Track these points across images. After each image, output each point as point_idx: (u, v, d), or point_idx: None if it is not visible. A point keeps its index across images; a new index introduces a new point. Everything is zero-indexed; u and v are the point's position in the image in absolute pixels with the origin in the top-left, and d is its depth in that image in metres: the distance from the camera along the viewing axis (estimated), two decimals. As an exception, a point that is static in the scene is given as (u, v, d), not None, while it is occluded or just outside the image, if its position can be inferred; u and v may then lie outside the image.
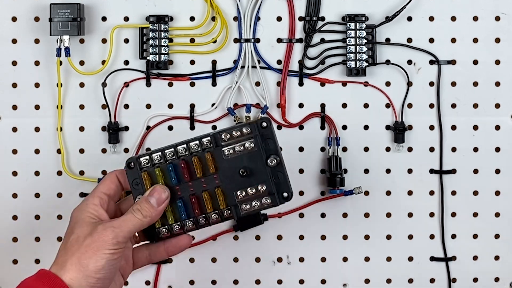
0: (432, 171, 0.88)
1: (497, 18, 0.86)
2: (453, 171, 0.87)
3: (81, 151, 0.87)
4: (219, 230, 0.87)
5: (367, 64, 0.85)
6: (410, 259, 0.89)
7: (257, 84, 0.86)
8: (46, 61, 0.85)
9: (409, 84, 0.87)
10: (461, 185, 0.88)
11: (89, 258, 0.65)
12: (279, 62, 0.86)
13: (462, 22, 0.86)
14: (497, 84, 0.87)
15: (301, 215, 0.88)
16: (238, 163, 0.69)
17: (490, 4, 0.86)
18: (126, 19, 0.86)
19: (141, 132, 0.86)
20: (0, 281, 0.86)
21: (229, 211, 0.70)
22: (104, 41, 0.85)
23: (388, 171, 0.88)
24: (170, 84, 0.86)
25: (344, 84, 0.87)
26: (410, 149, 0.87)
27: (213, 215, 0.71)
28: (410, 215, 0.88)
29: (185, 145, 0.70)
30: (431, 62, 0.86)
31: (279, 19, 0.86)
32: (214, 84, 0.86)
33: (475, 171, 0.88)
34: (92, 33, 0.85)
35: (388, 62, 0.86)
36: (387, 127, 0.87)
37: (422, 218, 0.88)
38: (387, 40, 0.86)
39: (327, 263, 0.88)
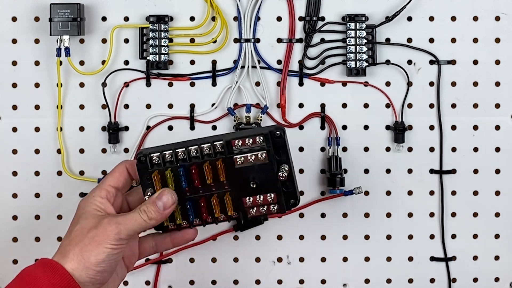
0: (432, 171, 0.88)
1: (497, 18, 0.86)
2: (453, 171, 0.88)
3: (81, 151, 0.87)
4: (219, 230, 0.87)
5: (367, 64, 0.85)
6: (410, 259, 0.89)
7: (257, 84, 0.86)
8: (46, 61, 0.85)
9: (409, 84, 0.87)
10: (461, 185, 0.88)
11: (91, 250, 0.65)
12: (279, 62, 0.86)
13: (462, 22, 0.86)
14: (497, 84, 0.87)
15: (301, 215, 0.88)
16: (249, 173, 0.70)
17: (490, 4, 0.86)
18: (126, 19, 0.86)
19: (141, 132, 0.86)
20: (0, 281, 0.86)
21: (236, 213, 0.71)
22: (104, 41, 0.85)
23: (388, 171, 0.88)
24: (170, 84, 0.86)
25: (344, 84, 0.87)
26: (410, 149, 0.88)
27: (221, 216, 0.71)
28: (410, 215, 0.88)
29: (197, 147, 0.70)
30: (431, 62, 0.86)
31: (279, 19, 0.86)
32: (214, 84, 0.86)
33: (475, 171, 0.88)
34: (92, 33, 0.85)
35: (388, 62, 0.86)
36: (387, 127, 0.87)
37: (422, 218, 0.88)
38: (387, 40, 0.86)
39: (327, 263, 0.88)
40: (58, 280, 0.64)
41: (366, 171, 0.88)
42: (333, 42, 0.86)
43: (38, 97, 0.86)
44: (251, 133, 0.69)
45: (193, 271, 0.88)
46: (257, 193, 0.70)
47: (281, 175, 0.69)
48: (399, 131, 0.86)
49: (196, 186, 0.71)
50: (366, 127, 0.87)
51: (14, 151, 0.86)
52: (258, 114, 0.86)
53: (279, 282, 0.89)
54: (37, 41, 0.85)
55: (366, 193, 0.87)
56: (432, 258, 0.88)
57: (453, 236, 0.88)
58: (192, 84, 0.87)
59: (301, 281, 0.89)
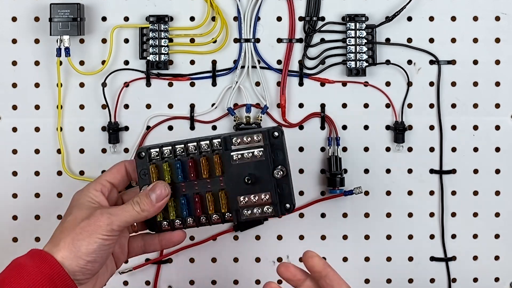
0: (432, 171, 0.88)
1: (497, 18, 0.86)
2: (453, 171, 0.88)
3: (81, 151, 0.87)
4: (219, 230, 0.87)
5: (367, 64, 0.85)
6: (410, 259, 0.89)
7: (257, 84, 0.86)
8: (46, 61, 0.85)
9: (409, 84, 0.87)
10: (461, 185, 0.88)
11: (82, 240, 0.66)
12: (279, 62, 0.86)
13: (462, 22, 0.86)
14: (497, 84, 0.87)
15: (301, 215, 0.88)
16: (245, 170, 0.70)
17: (490, 4, 0.86)
18: (126, 19, 0.86)
19: (141, 132, 0.86)
20: (0, 281, 0.86)
21: (230, 215, 0.71)
22: (104, 41, 0.85)
23: (388, 171, 0.88)
24: (170, 84, 0.86)
25: (344, 84, 0.87)
26: (410, 149, 0.88)
27: (214, 216, 0.72)
28: (410, 215, 0.88)
29: (195, 143, 0.71)
30: (431, 62, 0.86)
31: (279, 19, 0.86)
32: (214, 84, 0.86)
33: (475, 171, 0.88)
34: (92, 33, 0.85)
35: (388, 62, 0.86)
36: (387, 127, 0.87)
37: (422, 218, 0.88)
38: (387, 40, 0.86)
39: (327, 263, 0.88)
40: (47, 268, 0.64)
41: (366, 171, 0.88)
42: (333, 42, 0.86)
43: (38, 97, 0.86)
44: (250, 132, 0.70)
45: (193, 271, 0.88)
46: (252, 192, 0.70)
47: (276, 173, 0.69)
48: (399, 131, 0.86)
49: (192, 180, 0.71)
50: (366, 127, 0.87)
51: (14, 151, 0.86)
52: (258, 114, 0.86)
53: (279, 282, 0.88)
54: (37, 41, 0.85)
55: (366, 193, 0.87)
56: (432, 258, 0.88)
57: (453, 236, 0.88)
58: (192, 84, 0.87)
59: (301, 281, 0.88)
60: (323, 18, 0.86)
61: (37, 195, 0.87)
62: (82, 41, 0.85)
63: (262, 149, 0.70)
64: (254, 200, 0.71)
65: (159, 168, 0.71)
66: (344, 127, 0.87)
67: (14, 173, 0.87)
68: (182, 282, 0.88)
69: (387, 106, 0.87)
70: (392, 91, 0.87)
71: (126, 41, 0.86)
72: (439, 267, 0.89)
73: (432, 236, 0.88)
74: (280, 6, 0.86)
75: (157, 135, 0.86)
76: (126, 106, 0.87)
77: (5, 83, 0.86)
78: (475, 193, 0.88)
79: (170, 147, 0.72)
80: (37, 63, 0.86)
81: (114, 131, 0.85)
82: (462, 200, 0.88)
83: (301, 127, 0.87)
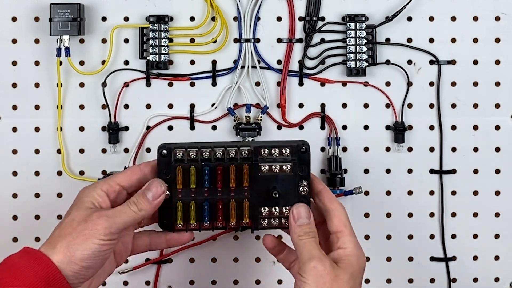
0: (432, 171, 0.88)
1: (497, 18, 0.86)
2: (453, 171, 0.88)
3: (81, 151, 0.87)
4: (219, 230, 0.87)
5: (367, 64, 0.85)
6: (410, 259, 0.89)
7: (257, 84, 0.86)
8: (46, 61, 0.85)
9: (409, 84, 0.87)
10: (461, 185, 0.88)
11: (78, 244, 0.65)
12: (279, 62, 0.86)
13: (462, 22, 0.86)
14: (497, 84, 0.87)
15: (301, 215, 0.88)
16: (271, 182, 0.71)
17: (490, 4, 0.86)
18: (126, 19, 0.86)
19: (141, 132, 0.86)
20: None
21: (248, 221, 0.72)
22: (104, 41, 0.85)
23: (388, 171, 0.88)
24: (170, 84, 0.86)
25: (344, 84, 0.87)
26: (410, 149, 0.88)
27: (231, 223, 0.72)
28: (410, 215, 0.88)
29: (223, 148, 0.71)
30: (431, 62, 0.87)
31: (279, 19, 0.86)
32: (214, 84, 0.86)
33: (475, 171, 0.88)
34: (92, 33, 0.85)
35: (388, 62, 0.86)
36: (387, 127, 0.87)
37: (422, 218, 0.88)
38: (387, 40, 0.86)
39: (327, 263, 0.88)
40: (42, 270, 0.64)
41: (366, 171, 0.88)
42: (333, 42, 0.86)
43: (38, 97, 0.86)
44: (278, 144, 0.71)
45: (193, 271, 0.88)
46: (275, 204, 0.71)
47: (302, 190, 0.71)
48: (399, 131, 0.86)
49: (217, 188, 0.71)
50: (366, 127, 0.87)
51: (14, 151, 0.86)
52: (258, 114, 0.86)
53: (279, 282, 0.89)
54: (37, 41, 0.85)
55: (366, 193, 0.87)
56: (432, 258, 0.88)
57: (453, 236, 0.88)
58: (192, 84, 0.87)
59: (301, 281, 0.88)
60: (323, 18, 0.86)
61: (37, 195, 0.87)
62: (82, 41, 0.85)
63: (290, 164, 0.71)
64: (275, 213, 0.72)
65: (185, 172, 0.71)
66: (344, 127, 0.87)
67: (14, 173, 0.87)
68: (182, 282, 0.88)
69: (387, 106, 0.87)
70: (392, 91, 0.87)
71: (126, 41, 0.86)
72: (439, 267, 0.89)
73: (432, 236, 0.88)
74: (280, 6, 0.86)
75: (157, 135, 0.86)
76: (126, 106, 0.87)
77: (5, 83, 0.86)
78: (475, 193, 0.88)
79: (197, 149, 0.71)
80: (37, 63, 0.86)
81: (114, 131, 0.85)
82: (462, 200, 0.88)
83: (301, 127, 0.87)
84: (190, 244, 0.86)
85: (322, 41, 0.86)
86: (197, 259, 0.88)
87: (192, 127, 0.87)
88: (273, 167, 0.71)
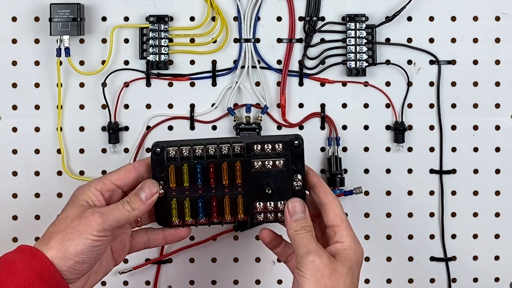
0: (432, 171, 0.88)
1: (497, 18, 0.86)
2: (453, 171, 0.88)
3: (81, 151, 0.87)
4: (219, 230, 0.87)
5: (367, 64, 0.85)
6: (410, 259, 0.89)
7: (257, 84, 0.86)
8: (46, 61, 0.85)
9: (409, 84, 0.87)
10: (461, 185, 0.88)
11: (71, 240, 0.66)
12: (279, 62, 0.86)
13: (462, 22, 0.86)
14: (497, 84, 0.87)
15: (301, 215, 0.88)
16: (264, 178, 0.71)
17: (490, 4, 0.86)
18: (126, 19, 0.86)
19: (141, 132, 0.86)
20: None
21: (243, 216, 0.72)
22: (104, 41, 0.85)
23: (388, 171, 0.88)
24: (170, 84, 0.86)
25: (344, 84, 0.87)
26: (410, 149, 0.88)
27: (227, 218, 0.72)
28: (410, 215, 0.88)
29: (215, 146, 0.71)
30: (431, 62, 0.87)
31: (279, 19, 0.86)
32: (214, 84, 0.86)
33: (475, 171, 0.88)
34: (92, 33, 0.85)
35: (388, 62, 0.86)
36: (387, 127, 0.87)
37: (422, 218, 0.88)
38: (387, 40, 0.86)
39: (327, 263, 0.88)
40: (37, 266, 0.64)
41: (366, 171, 0.88)
42: (333, 42, 0.86)
43: (38, 97, 0.86)
44: (271, 139, 0.71)
45: (193, 271, 0.88)
46: (270, 199, 0.71)
47: (296, 185, 0.71)
48: (399, 131, 0.86)
49: (211, 185, 0.71)
50: (366, 127, 0.87)
51: (14, 151, 0.86)
52: (258, 114, 0.86)
53: (279, 282, 0.89)
54: (37, 41, 0.85)
55: (366, 193, 0.87)
56: (432, 258, 0.88)
57: (453, 236, 0.88)
58: (192, 84, 0.87)
59: (301, 281, 0.88)
60: (323, 18, 0.86)
61: (37, 195, 0.87)
62: (82, 41, 0.85)
63: (283, 159, 0.71)
64: (270, 207, 0.72)
65: (178, 170, 0.71)
66: (344, 127, 0.87)
67: (14, 173, 0.87)
68: (182, 282, 0.88)
69: (387, 106, 0.87)
70: (392, 91, 0.87)
71: (126, 41, 0.86)
72: (439, 267, 0.89)
73: (432, 236, 0.88)
74: (280, 6, 0.86)
75: (157, 135, 0.86)
76: (126, 106, 0.87)
77: (5, 83, 0.86)
78: (475, 193, 0.88)
79: (189, 147, 0.71)
80: (37, 63, 0.86)
81: (114, 131, 0.85)
82: (462, 200, 0.88)
83: (301, 127, 0.87)
84: (190, 244, 0.87)
85: (322, 41, 0.86)
86: (197, 259, 0.88)
87: (192, 127, 0.87)
88: (266, 163, 0.71)
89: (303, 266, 0.66)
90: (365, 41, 0.85)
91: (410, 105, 0.87)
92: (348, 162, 0.87)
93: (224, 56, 0.86)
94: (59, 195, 0.87)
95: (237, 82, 0.85)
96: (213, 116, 0.87)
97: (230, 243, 0.88)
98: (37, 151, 0.86)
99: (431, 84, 0.87)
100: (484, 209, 0.88)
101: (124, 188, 0.72)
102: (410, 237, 0.88)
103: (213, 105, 0.86)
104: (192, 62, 0.86)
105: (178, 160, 0.71)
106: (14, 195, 0.87)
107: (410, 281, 0.89)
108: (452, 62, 0.86)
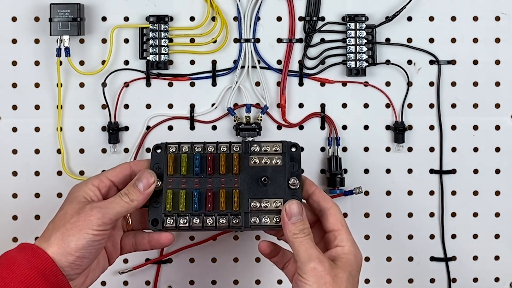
0: (432, 171, 0.88)
1: (497, 18, 0.86)
2: (453, 171, 0.88)
3: (81, 151, 0.87)
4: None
5: (367, 64, 0.85)
6: (410, 259, 0.89)
7: (257, 84, 0.86)
8: (46, 61, 0.85)
9: (409, 84, 0.87)
10: (461, 185, 0.88)
11: (72, 235, 0.66)
12: (279, 62, 0.86)
13: (462, 22, 0.86)
14: (497, 84, 0.87)
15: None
16: (261, 172, 0.72)
17: (490, 4, 0.86)
18: (126, 19, 0.86)
19: (141, 132, 0.86)
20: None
21: (238, 220, 0.72)
22: (104, 41, 0.85)
23: (388, 171, 0.88)
24: (170, 84, 0.86)
25: (344, 84, 0.87)
26: (410, 149, 0.88)
27: (221, 220, 0.72)
28: (410, 215, 0.88)
29: (215, 145, 0.73)
30: (431, 62, 0.87)
31: (279, 19, 0.86)
32: (214, 84, 0.86)
33: (475, 171, 0.88)
34: (92, 33, 0.85)
35: (388, 62, 0.86)
36: (387, 127, 0.87)
37: (422, 218, 0.88)
38: (387, 40, 0.86)
39: (327, 263, 0.88)
40: (38, 263, 0.65)
41: (366, 171, 0.88)
42: (333, 42, 0.86)
43: (38, 97, 0.86)
44: (269, 141, 0.73)
45: (193, 271, 0.88)
46: (265, 195, 0.71)
47: (291, 182, 0.71)
48: (399, 131, 0.86)
49: (208, 174, 0.72)
50: (366, 127, 0.87)
51: (14, 151, 0.86)
52: (258, 114, 0.86)
53: (279, 282, 0.89)
54: (37, 41, 0.85)
55: (366, 193, 0.87)
56: (432, 258, 0.88)
57: (453, 236, 0.88)
58: (192, 84, 0.87)
59: (301, 281, 0.88)
60: (323, 18, 0.86)
61: (37, 195, 0.87)
62: (82, 41, 0.85)
63: (280, 157, 0.72)
64: (265, 205, 0.71)
65: (177, 159, 0.72)
66: (344, 127, 0.87)
67: (14, 173, 0.87)
68: (182, 282, 0.88)
69: (387, 106, 0.87)
70: (392, 91, 0.87)
71: (126, 41, 0.86)
72: (439, 267, 0.89)
73: (432, 236, 0.88)
74: (280, 6, 0.86)
75: (157, 135, 0.86)
76: (126, 106, 0.87)
77: (5, 83, 0.86)
78: (475, 193, 0.88)
79: (189, 145, 0.73)
80: (37, 63, 0.86)
81: (114, 131, 0.85)
82: (462, 200, 0.88)
83: (301, 127, 0.87)
84: (190, 244, 0.87)
85: (322, 41, 0.86)
86: (197, 259, 0.88)
87: (192, 127, 0.87)
88: (263, 160, 0.73)
89: (305, 273, 0.66)
90: (365, 41, 0.85)
91: (410, 105, 0.87)
92: (348, 162, 0.87)
93: (224, 56, 0.86)
94: (59, 195, 0.87)
95: (237, 82, 0.85)
96: (213, 116, 0.87)
97: (230, 243, 0.88)
98: (37, 151, 0.86)
99: (431, 84, 0.87)
100: (484, 209, 0.88)
101: (119, 186, 0.73)
102: (410, 237, 0.88)
103: (213, 105, 0.86)
104: (192, 62, 0.86)
105: (177, 153, 0.73)
106: (14, 195, 0.87)
107: (410, 281, 0.89)
108: (452, 62, 0.87)
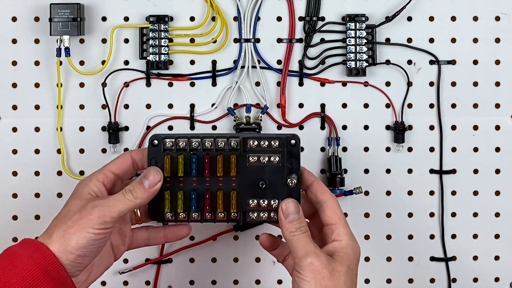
0: (432, 171, 0.88)
1: (497, 18, 0.86)
2: (453, 171, 0.88)
3: (81, 151, 0.87)
4: (219, 230, 0.87)
5: (367, 64, 0.85)
6: (410, 259, 0.89)
7: (257, 84, 0.86)
8: (46, 61, 0.85)
9: (409, 84, 0.87)
10: (461, 185, 0.88)
11: (73, 233, 0.66)
12: (279, 62, 0.86)
13: (462, 22, 0.86)
14: (497, 84, 0.87)
15: (301, 215, 0.88)
16: (259, 173, 0.72)
17: (490, 4, 0.86)
18: (126, 19, 0.86)
19: (141, 132, 0.86)
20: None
21: (236, 215, 0.72)
22: (104, 41, 0.85)
23: (388, 171, 0.88)
24: (170, 84, 0.86)
25: (344, 84, 0.87)
26: (410, 149, 0.88)
27: (220, 214, 0.72)
28: (410, 215, 0.88)
29: (212, 140, 0.72)
30: (431, 62, 0.87)
31: (279, 19, 0.86)
32: (214, 84, 0.86)
33: (475, 171, 0.88)
34: (92, 33, 0.85)
35: (388, 62, 0.86)
36: (387, 127, 0.87)
37: (422, 218, 0.88)
38: (387, 40, 0.86)
39: (327, 263, 0.88)
40: (40, 258, 0.64)
41: (366, 171, 0.88)
42: (333, 42, 0.86)
43: (38, 97, 0.86)
44: (268, 136, 0.72)
45: (193, 271, 0.88)
46: (263, 196, 0.71)
47: (290, 181, 0.71)
48: (399, 131, 0.86)
49: (205, 176, 0.72)
50: (366, 127, 0.87)
51: (14, 151, 0.86)
52: (258, 114, 0.86)
53: (279, 282, 0.89)
54: (37, 41, 0.85)
55: (366, 193, 0.87)
56: (432, 258, 0.88)
57: (453, 236, 0.88)
58: (192, 84, 0.87)
59: (301, 281, 0.88)
60: (323, 18, 0.86)
61: (37, 195, 0.87)
62: (82, 41, 0.85)
63: (279, 155, 0.71)
64: (263, 205, 0.72)
65: (173, 160, 0.71)
66: (344, 127, 0.87)
67: (14, 173, 0.87)
68: (182, 282, 0.88)
69: (387, 106, 0.87)
70: (392, 91, 0.87)
71: (126, 41, 0.86)
72: (439, 267, 0.89)
73: (432, 236, 0.88)
74: (280, 6, 0.86)
75: (157, 135, 0.86)
76: (126, 106, 0.87)
77: (5, 83, 0.86)
78: (475, 193, 0.88)
79: (186, 140, 0.72)
80: (37, 63, 0.86)
81: (114, 131, 0.85)
82: (462, 200, 0.88)
83: (301, 127, 0.87)
84: (190, 244, 0.87)
85: (322, 41, 0.86)
86: (197, 259, 0.88)
87: (192, 127, 0.87)
88: (261, 158, 0.72)
89: (303, 269, 0.66)
90: (365, 41, 0.85)
91: (410, 105, 0.87)
92: (348, 162, 0.87)
93: (224, 56, 0.86)
94: (59, 195, 0.87)
95: (237, 82, 0.85)
96: (213, 116, 0.87)
97: (230, 243, 0.88)
98: (37, 151, 0.86)
99: (431, 84, 0.87)
100: (484, 209, 0.88)
101: (123, 178, 0.72)
102: (410, 237, 0.88)
103: (213, 105, 0.86)
104: (192, 62, 0.86)
105: (174, 151, 0.72)
106: (14, 195, 0.87)
107: (410, 281, 0.89)
108: (452, 62, 0.87)
